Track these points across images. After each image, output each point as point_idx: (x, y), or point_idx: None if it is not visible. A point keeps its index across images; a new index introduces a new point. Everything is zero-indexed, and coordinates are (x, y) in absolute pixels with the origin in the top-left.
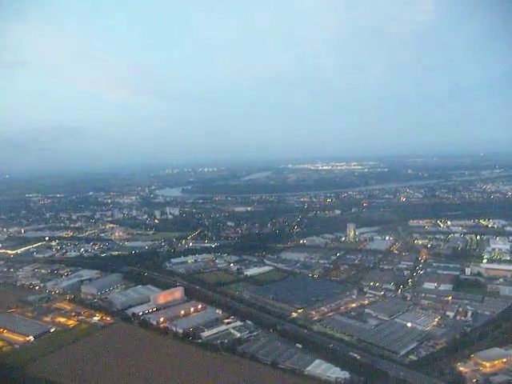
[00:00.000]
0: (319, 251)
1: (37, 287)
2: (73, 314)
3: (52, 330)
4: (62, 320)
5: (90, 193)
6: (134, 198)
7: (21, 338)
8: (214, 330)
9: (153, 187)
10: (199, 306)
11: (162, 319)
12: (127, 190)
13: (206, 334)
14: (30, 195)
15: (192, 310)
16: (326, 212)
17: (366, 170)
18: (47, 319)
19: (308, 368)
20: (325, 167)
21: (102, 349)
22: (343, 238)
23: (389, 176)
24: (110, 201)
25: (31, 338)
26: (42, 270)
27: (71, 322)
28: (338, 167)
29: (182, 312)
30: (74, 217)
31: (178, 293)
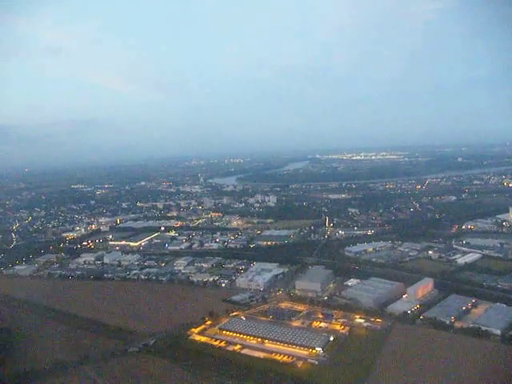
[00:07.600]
0: (500, 236)
1: (222, 284)
2: (319, 315)
3: (331, 339)
4: (323, 325)
5: (142, 183)
6: (197, 187)
7: (304, 352)
8: None
9: (202, 177)
10: (473, 300)
11: (452, 318)
12: (181, 180)
13: None
14: (76, 186)
15: (469, 305)
16: (438, 198)
17: (406, 159)
18: (296, 324)
19: None
20: (357, 157)
21: (431, 360)
22: (504, 223)
23: (441, 164)
24: (173, 190)
25: (319, 349)
26: (203, 264)
27: (339, 327)
28: (372, 157)
29: (463, 308)
30: (159, 206)
31: (430, 285)
